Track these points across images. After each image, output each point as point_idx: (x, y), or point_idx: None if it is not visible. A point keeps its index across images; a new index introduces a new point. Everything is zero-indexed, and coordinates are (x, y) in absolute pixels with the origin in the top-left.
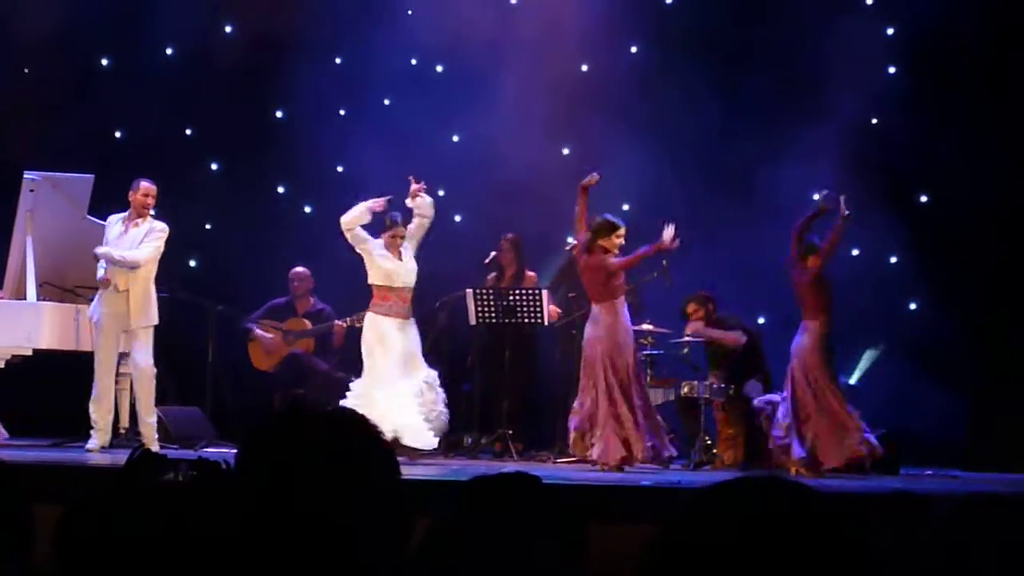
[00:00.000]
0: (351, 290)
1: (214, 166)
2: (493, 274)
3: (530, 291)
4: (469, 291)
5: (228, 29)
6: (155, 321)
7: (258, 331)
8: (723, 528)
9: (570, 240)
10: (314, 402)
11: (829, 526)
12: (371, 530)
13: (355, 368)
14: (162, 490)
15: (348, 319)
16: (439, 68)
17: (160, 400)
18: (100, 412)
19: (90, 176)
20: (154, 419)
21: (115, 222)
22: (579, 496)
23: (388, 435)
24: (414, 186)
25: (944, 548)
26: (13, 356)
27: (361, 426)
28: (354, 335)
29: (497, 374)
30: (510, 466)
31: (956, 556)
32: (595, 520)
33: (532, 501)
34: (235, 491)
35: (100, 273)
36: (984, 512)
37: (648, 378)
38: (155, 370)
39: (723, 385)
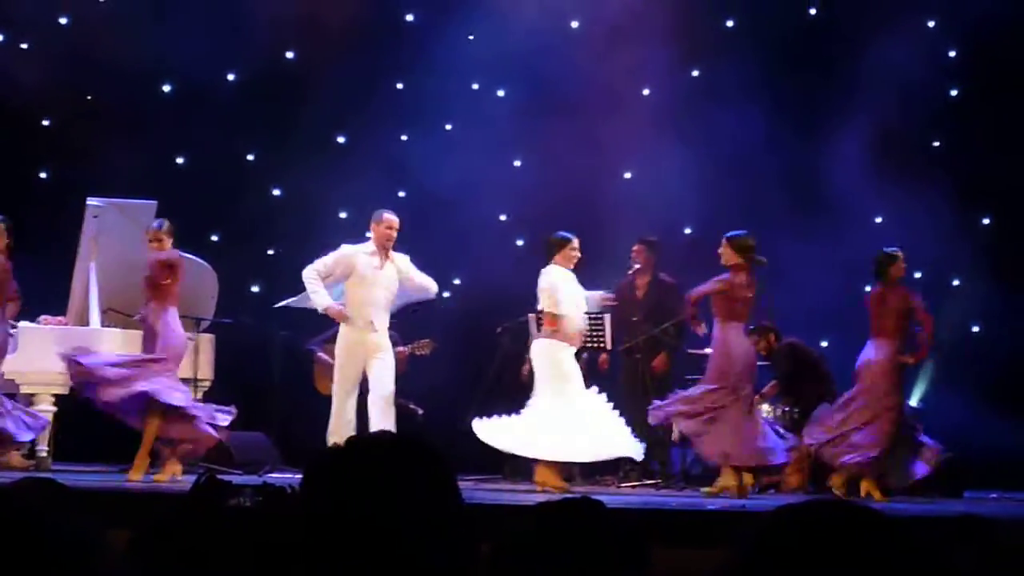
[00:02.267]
0: (412, 316)
1: (276, 192)
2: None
3: (594, 315)
4: (532, 316)
5: (290, 55)
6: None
7: (322, 355)
8: (792, 552)
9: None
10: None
11: (900, 550)
12: (434, 556)
13: (414, 394)
14: (228, 515)
15: (411, 346)
16: (500, 93)
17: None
18: None
19: (153, 202)
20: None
21: (358, 253)
22: (643, 520)
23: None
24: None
25: (1011, 570)
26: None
27: (422, 452)
28: (416, 362)
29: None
30: (575, 491)
31: None
32: (659, 544)
33: (597, 525)
34: (299, 517)
35: (336, 306)
36: None
37: None
38: None
39: (787, 408)
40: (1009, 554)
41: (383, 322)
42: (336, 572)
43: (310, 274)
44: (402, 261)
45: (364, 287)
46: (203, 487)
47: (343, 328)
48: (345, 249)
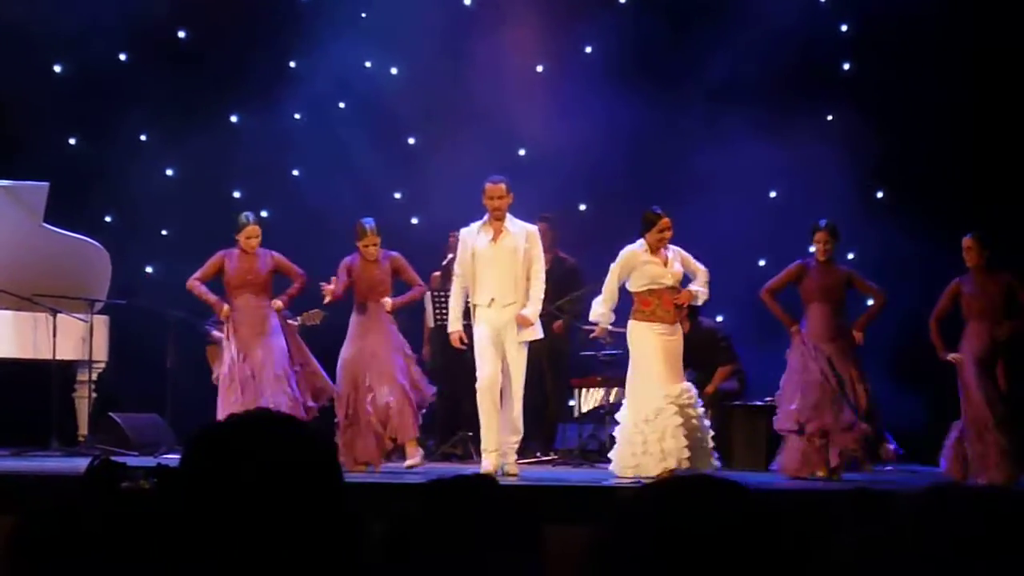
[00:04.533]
0: (307, 292)
1: (170, 172)
2: (437, 273)
3: None
4: (428, 293)
5: (182, 34)
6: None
7: (216, 334)
8: (653, 528)
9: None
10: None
11: (762, 523)
12: (313, 535)
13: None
14: (121, 497)
15: (301, 316)
16: (394, 71)
17: (119, 407)
18: None
19: (45, 184)
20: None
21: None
22: (536, 497)
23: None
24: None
25: (906, 542)
26: None
27: (298, 430)
28: (306, 333)
29: (459, 377)
30: (471, 469)
31: (918, 549)
32: (553, 521)
33: (488, 503)
34: (177, 499)
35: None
36: (942, 503)
37: (608, 377)
38: None
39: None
40: (902, 529)
41: None
42: (212, 551)
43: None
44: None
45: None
46: (97, 470)
47: None
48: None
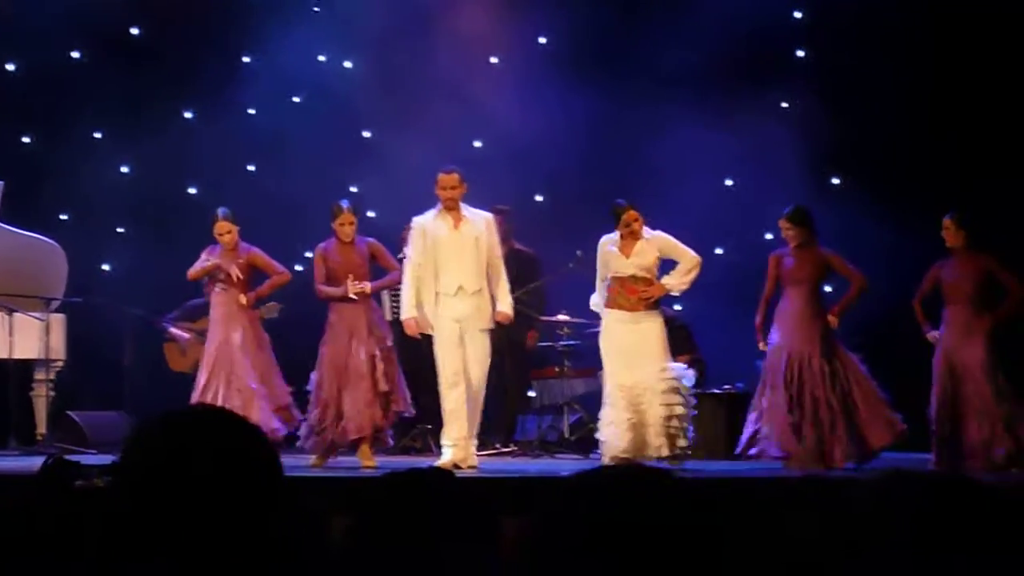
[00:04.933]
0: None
1: (124, 169)
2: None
3: None
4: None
5: (135, 31)
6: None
7: (173, 331)
8: (584, 517)
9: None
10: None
11: (684, 512)
12: (254, 530)
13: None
14: (75, 495)
15: (258, 309)
16: (347, 64)
17: (77, 406)
18: None
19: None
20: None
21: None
22: (493, 489)
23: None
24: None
25: (862, 527)
26: None
27: (239, 426)
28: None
29: (415, 370)
30: (430, 462)
31: (875, 534)
32: (512, 513)
33: (446, 496)
34: (115, 495)
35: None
36: (895, 490)
37: (567, 368)
38: None
39: None
40: (853, 518)
41: None
42: (160, 547)
43: None
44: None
45: None
46: (50, 469)
47: None
48: None
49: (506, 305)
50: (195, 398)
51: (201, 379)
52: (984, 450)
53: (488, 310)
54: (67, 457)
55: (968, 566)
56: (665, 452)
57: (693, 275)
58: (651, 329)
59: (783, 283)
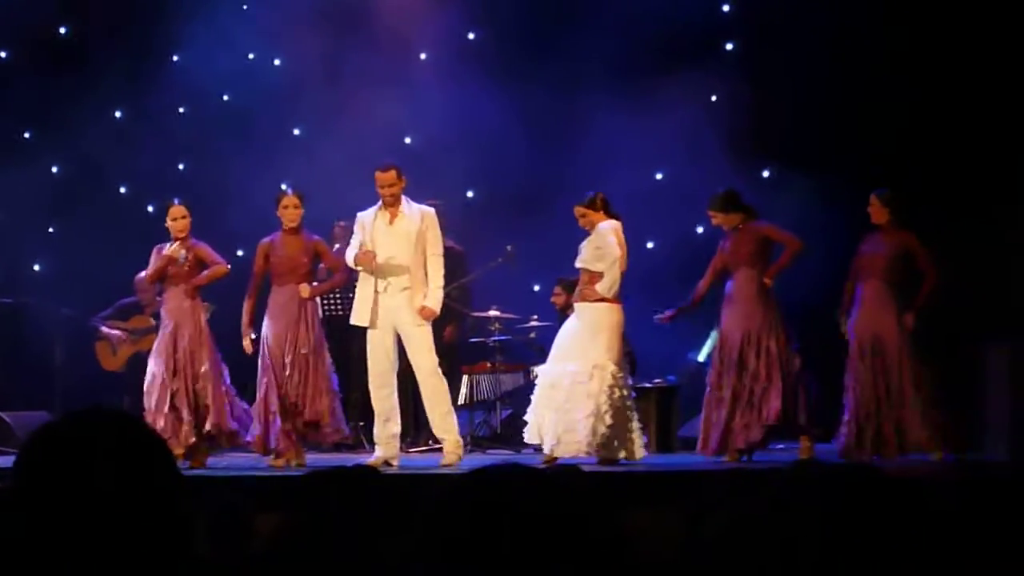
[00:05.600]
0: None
1: (55, 169)
2: (323, 265)
3: None
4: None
5: (63, 30)
6: None
7: (105, 329)
8: (466, 518)
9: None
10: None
11: (558, 509)
12: (152, 529)
13: None
14: None
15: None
16: (277, 62)
17: (7, 406)
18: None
19: None
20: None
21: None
22: (417, 486)
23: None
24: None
25: (771, 517)
26: None
27: (132, 425)
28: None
29: (346, 366)
30: (363, 458)
31: (782, 524)
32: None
33: (370, 493)
34: (12, 500)
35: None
36: (803, 480)
37: (498, 363)
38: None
39: None
40: (770, 505)
41: None
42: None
43: None
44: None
45: None
46: None
47: None
48: None
49: (431, 300)
50: (150, 390)
51: (157, 372)
52: (897, 435)
53: (428, 303)
54: None
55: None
56: (578, 450)
57: (613, 272)
58: (580, 320)
59: (728, 268)
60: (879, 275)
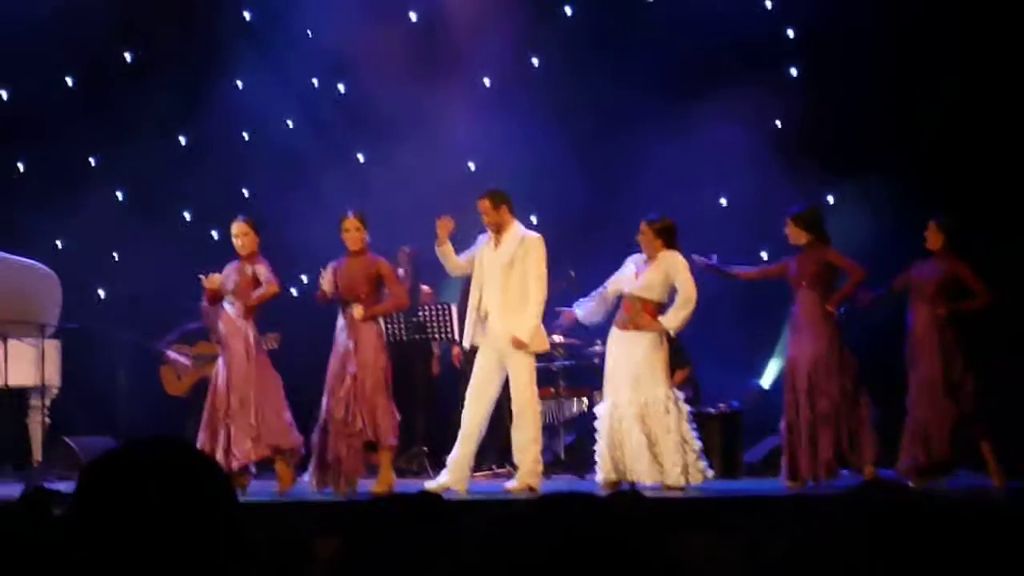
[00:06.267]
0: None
1: (119, 195)
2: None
3: (440, 306)
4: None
5: (127, 56)
6: None
7: (171, 354)
8: (523, 545)
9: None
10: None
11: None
12: (210, 556)
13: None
14: (54, 524)
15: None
16: (341, 88)
17: (72, 431)
18: None
19: None
20: None
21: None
22: (483, 512)
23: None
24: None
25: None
26: None
27: (191, 455)
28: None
29: (410, 392)
30: (427, 484)
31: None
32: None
33: (435, 519)
34: (68, 526)
35: None
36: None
37: (561, 389)
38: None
39: None
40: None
41: None
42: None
43: None
44: None
45: None
46: (30, 497)
47: None
48: None
49: (520, 331)
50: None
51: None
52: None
53: (516, 327)
54: (48, 485)
55: None
56: (646, 479)
57: (688, 311)
58: (640, 350)
59: (791, 286)
60: (928, 300)
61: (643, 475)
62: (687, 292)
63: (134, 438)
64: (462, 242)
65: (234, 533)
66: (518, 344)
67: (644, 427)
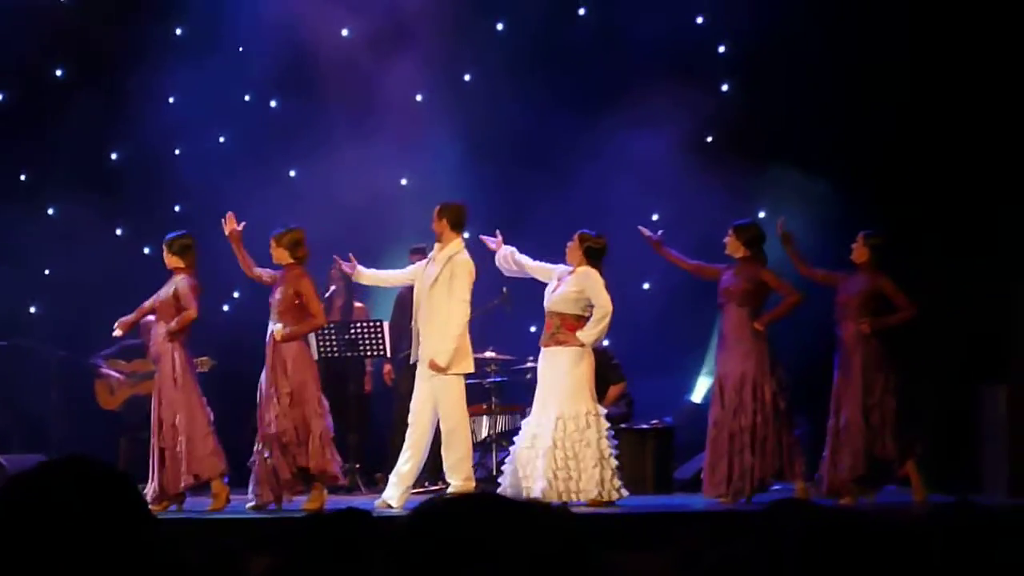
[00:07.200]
0: (197, 331)
1: (51, 211)
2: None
3: (372, 323)
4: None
5: (59, 73)
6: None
7: (105, 369)
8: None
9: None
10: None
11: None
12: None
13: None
14: None
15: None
16: (273, 103)
17: (4, 448)
18: None
19: None
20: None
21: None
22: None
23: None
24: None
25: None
26: None
27: (103, 473)
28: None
29: (343, 409)
30: (359, 500)
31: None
32: None
33: (364, 535)
34: None
35: None
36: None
37: (494, 405)
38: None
39: None
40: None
41: None
42: None
43: None
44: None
45: None
46: None
47: None
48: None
49: (439, 356)
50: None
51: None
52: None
53: (435, 351)
54: None
55: None
56: (550, 496)
57: (603, 325)
58: (553, 367)
59: (720, 300)
60: (853, 315)
61: (538, 492)
62: (602, 306)
63: (47, 461)
64: (396, 257)
65: (145, 550)
66: (435, 368)
67: (562, 442)
